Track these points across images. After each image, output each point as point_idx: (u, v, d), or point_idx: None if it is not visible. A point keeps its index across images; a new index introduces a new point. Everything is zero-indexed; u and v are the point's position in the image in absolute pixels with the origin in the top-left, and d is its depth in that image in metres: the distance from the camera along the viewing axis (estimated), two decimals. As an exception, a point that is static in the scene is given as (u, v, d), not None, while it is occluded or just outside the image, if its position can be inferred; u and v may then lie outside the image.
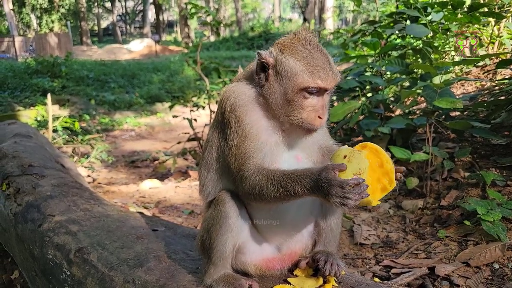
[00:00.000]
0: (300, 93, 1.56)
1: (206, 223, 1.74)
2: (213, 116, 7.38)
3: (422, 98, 4.81)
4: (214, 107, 7.55)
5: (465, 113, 4.85)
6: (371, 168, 1.44)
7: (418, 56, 5.37)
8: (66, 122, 9.62)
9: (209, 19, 7.63)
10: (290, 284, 1.71)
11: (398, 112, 5.35)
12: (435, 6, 4.78)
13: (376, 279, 1.87)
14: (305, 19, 30.70)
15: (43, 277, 2.56)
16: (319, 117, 1.59)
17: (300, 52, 1.56)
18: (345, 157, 1.44)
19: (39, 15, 41.37)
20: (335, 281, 1.68)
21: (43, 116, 10.90)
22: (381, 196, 1.46)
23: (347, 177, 1.37)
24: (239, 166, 1.61)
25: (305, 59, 1.55)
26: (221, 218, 1.67)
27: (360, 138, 5.42)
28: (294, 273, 1.79)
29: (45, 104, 11.35)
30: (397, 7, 5.86)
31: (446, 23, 5.07)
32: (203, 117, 8.88)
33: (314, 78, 1.54)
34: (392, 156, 3.94)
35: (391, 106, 5.01)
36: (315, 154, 1.78)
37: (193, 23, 40.25)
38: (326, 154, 1.78)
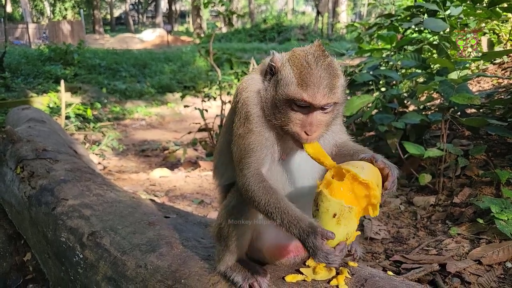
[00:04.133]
0: (287, 103, 1.55)
1: (225, 211, 1.75)
2: (224, 107, 7.41)
3: (437, 94, 4.72)
4: (226, 98, 7.56)
5: (481, 110, 4.76)
6: (356, 201, 1.40)
7: (435, 51, 5.27)
8: (78, 109, 9.73)
9: (222, 9, 7.59)
10: (303, 274, 1.70)
11: (412, 107, 5.28)
12: (455, 0, 4.68)
13: (390, 273, 1.85)
14: (318, 13, 30.37)
15: (56, 259, 2.60)
16: (305, 132, 1.55)
17: (300, 65, 1.54)
18: (334, 215, 1.37)
19: (53, 2, 41.63)
20: (348, 272, 1.67)
21: (55, 103, 11.02)
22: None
23: (334, 243, 1.37)
24: (240, 157, 1.63)
25: (300, 72, 1.53)
26: (242, 207, 1.68)
27: (373, 133, 5.37)
28: (307, 263, 1.79)
29: (57, 91, 11.48)
30: (415, 0, 5.74)
31: (465, 18, 4.96)
32: (214, 108, 8.88)
33: (301, 92, 1.51)
34: (405, 152, 3.95)
35: (405, 101, 4.95)
36: (328, 150, 1.77)
37: (205, 14, 40.11)
38: (340, 150, 1.77)
